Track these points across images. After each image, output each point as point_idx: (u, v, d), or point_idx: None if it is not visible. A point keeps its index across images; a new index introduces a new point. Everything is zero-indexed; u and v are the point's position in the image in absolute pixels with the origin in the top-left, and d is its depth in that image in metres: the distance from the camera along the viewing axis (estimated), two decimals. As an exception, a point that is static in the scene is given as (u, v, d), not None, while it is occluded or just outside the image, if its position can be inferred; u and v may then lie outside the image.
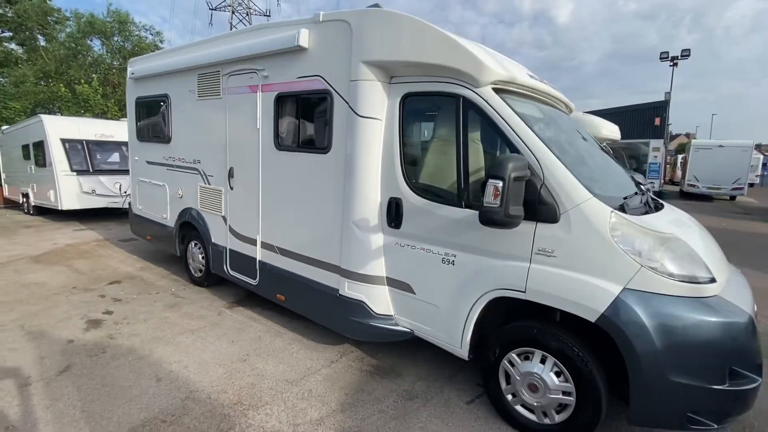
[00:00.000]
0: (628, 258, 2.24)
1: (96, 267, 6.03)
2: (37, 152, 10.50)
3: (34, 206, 11.10)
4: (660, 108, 22.26)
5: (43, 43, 22.23)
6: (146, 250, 6.94)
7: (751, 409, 2.26)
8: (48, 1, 22.61)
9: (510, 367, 2.66)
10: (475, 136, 2.79)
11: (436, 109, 3.05)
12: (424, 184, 3.03)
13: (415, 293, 3.06)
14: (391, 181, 3.09)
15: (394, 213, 3.08)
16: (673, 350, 2.13)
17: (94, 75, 20.88)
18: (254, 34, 4.01)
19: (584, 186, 2.39)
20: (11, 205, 13.07)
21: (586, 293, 2.29)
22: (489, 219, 2.30)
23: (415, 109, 3.08)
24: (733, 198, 19.03)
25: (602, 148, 3.75)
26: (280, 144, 3.81)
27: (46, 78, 20.46)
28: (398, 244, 3.11)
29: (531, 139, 2.52)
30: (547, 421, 2.56)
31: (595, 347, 2.42)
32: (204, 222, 4.90)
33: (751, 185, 22.59)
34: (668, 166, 28.05)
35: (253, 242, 4.20)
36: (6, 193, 13.51)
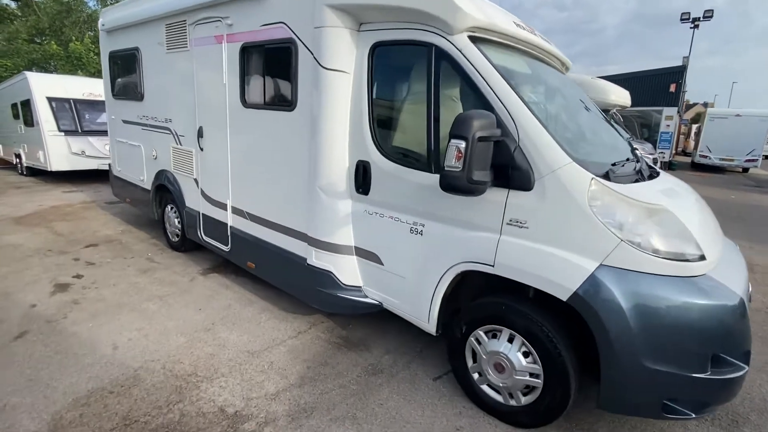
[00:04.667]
0: (607, 231, 1.98)
1: (76, 229, 5.89)
2: (25, 111, 10.23)
3: (27, 167, 10.95)
4: (677, 74, 21.20)
5: (35, -2, 21.46)
6: (130, 213, 6.78)
7: (745, 401, 2.07)
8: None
9: (477, 345, 2.48)
10: (448, 93, 2.48)
11: (408, 60, 2.72)
12: (393, 146, 2.76)
13: (383, 264, 2.86)
14: (359, 142, 2.82)
15: (362, 178, 2.82)
16: (651, 334, 1.92)
17: (89, 33, 20.23)
18: (219, -24, 3.63)
19: (564, 150, 2.10)
20: (7, 165, 12.93)
21: (558, 269, 2.06)
22: (450, 184, 2.04)
23: (385, 61, 2.75)
24: (746, 170, 18.36)
25: (611, 115, 3.42)
26: (246, 101, 3.52)
27: (40, 35, 19.88)
28: (366, 211, 2.87)
29: (506, 94, 2.21)
30: (513, 402, 2.39)
31: (569, 327, 2.21)
32: (178, 185, 4.68)
33: (767, 157, 21.80)
34: (682, 135, 27.12)
35: (224, 207, 3.98)
36: (1, 154, 13.36)
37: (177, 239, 5.00)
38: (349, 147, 2.88)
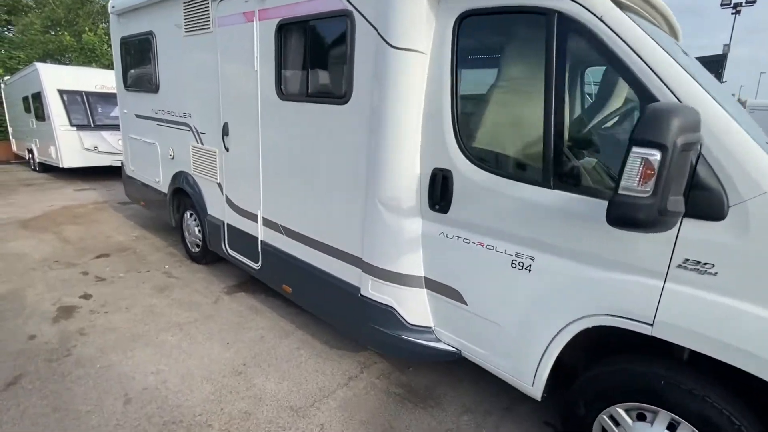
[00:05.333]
0: None
1: (87, 235, 5.36)
2: (36, 105, 9.77)
3: (39, 163, 10.53)
4: (716, 63, 19.94)
5: (49, -12, 21.05)
6: (145, 215, 6.24)
7: None
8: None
9: (612, 426, 1.82)
10: (576, 77, 1.81)
11: (512, 35, 2.04)
12: (487, 150, 2.09)
13: (466, 303, 2.20)
14: (437, 145, 2.15)
15: (439, 191, 2.16)
16: None
17: (102, 24, 19.78)
18: (249, -61, 2.97)
19: (774, 161, 1.41)
20: (22, 161, 12.57)
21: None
22: (628, 217, 1.35)
23: (477, 36, 2.08)
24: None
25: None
26: (283, 92, 2.87)
27: (55, 27, 19.50)
28: (444, 235, 2.22)
29: (679, 79, 1.52)
30: None
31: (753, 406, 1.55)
32: (198, 189, 4.08)
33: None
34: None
35: (254, 218, 3.37)
36: (14, 148, 13.00)
37: (197, 250, 4.42)
38: (421, 151, 2.22)
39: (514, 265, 1.97)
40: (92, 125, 9.34)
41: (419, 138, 2.22)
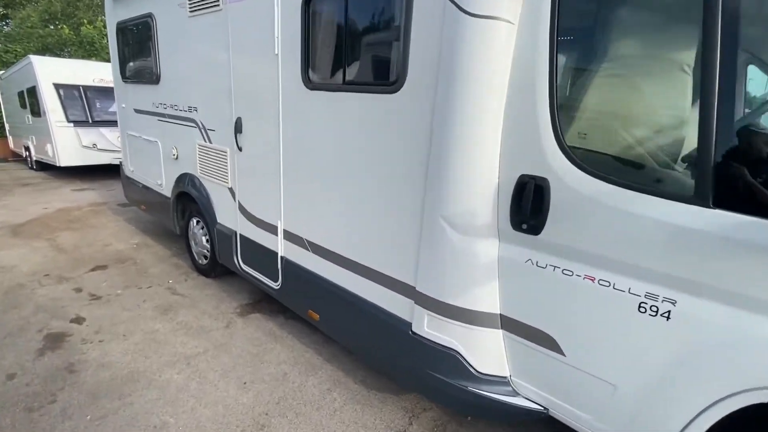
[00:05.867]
0: None
1: (82, 242, 4.86)
2: (32, 100, 9.27)
3: (36, 161, 10.05)
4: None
5: (47, -19, 20.48)
6: (146, 219, 5.73)
7: None
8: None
9: None
10: (751, 49, 1.27)
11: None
12: (602, 152, 1.57)
13: (563, 353, 1.68)
14: (528, 143, 1.62)
15: (529, 205, 1.63)
16: None
17: (102, 17, 19.23)
18: None
19: None
20: (18, 159, 12.10)
21: None
22: None
23: (590, -4, 1.54)
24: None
25: None
26: (311, 80, 2.34)
27: (53, 20, 18.96)
28: (533, 262, 1.69)
29: None
30: None
31: None
32: (206, 194, 3.57)
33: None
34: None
35: (273, 230, 2.86)
36: (12, 146, 12.52)
37: (205, 262, 3.91)
38: (502, 152, 1.69)
39: (643, 310, 1.45)
40: (90, 121, 8.84)
41: (499, 135, 1.69)
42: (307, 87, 2.35)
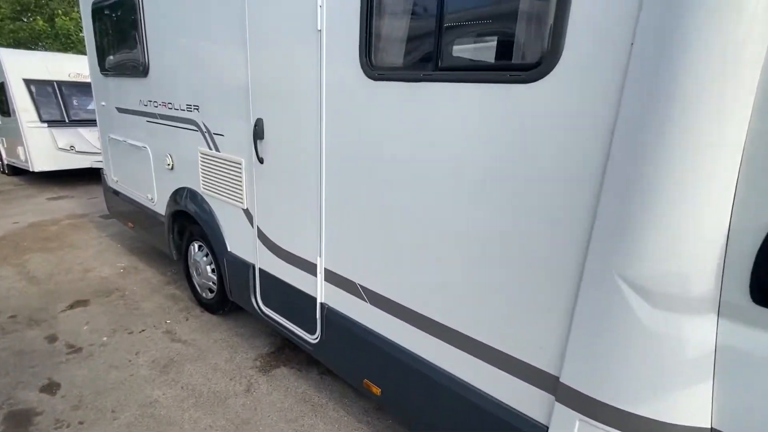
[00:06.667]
0: None
1: (59, 268, 4.08)
2: (1, 97, 8.32)
3: (8, 165, 9.09)
4: None
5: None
6: (135, 234, 4.96)
7: None
8: None
9: None
10: None
11: None
12: None
13: None
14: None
15: (804, 271, 0.96)
16: None
17: (78, 8, 18.04)
18: None
19: None
20: (-11, 161, 11.08)
21: None
22: None
23: None
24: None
25: None
26: (375, 64, 1.63)
27: (25, 12, 17.71)
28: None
29: None
30: None
31: None
32: (212, 215, 2.83)
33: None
34: None
35: (309, 267, 2.15)
36: (-18, 148, 11.48)
37: (211, 296, 3.18)
38: (742, 190, 1.02)
39: None
40: (67, 120, 7.93)
41: (738, 163, 1.01)
42: (370, 76, 1.64)
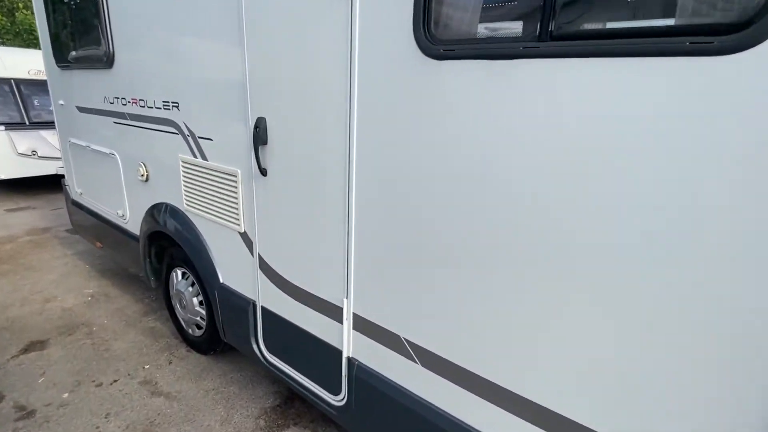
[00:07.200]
0: None
1: (14, 297, 3.44)
2: (-50, 98, 7.47)
3: (-38, 173, 8.23)
4: None
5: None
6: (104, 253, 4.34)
7: None
8: None
9: None
10: None
11: None
12: None
13: None
14: None
15: None
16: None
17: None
18: None
19: None
20: (-58, 169, 10.09)
21: None
22: None
23: None
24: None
25: None
26: (436, 34, 1.13)
27: (-18, 6, 16.48)
28: None
29: None
30: None
31: None
32: (198, 237, 2.28)
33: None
34: None
35: (332, 311, 1.64)
36: (-66, 154, 10.47)
37: (199, 333, 2.63)
38: None
39: None
40: (27, 123, 7.17)
41: None
42: (429, 53, 1.14)
